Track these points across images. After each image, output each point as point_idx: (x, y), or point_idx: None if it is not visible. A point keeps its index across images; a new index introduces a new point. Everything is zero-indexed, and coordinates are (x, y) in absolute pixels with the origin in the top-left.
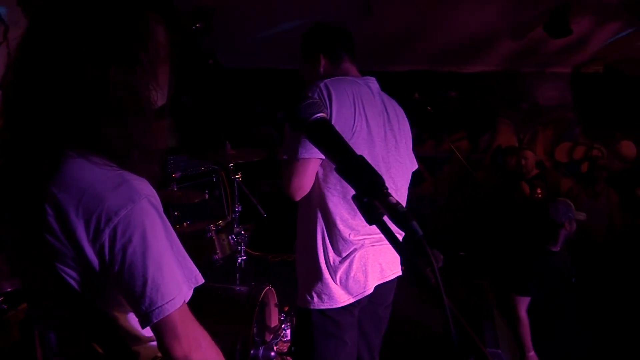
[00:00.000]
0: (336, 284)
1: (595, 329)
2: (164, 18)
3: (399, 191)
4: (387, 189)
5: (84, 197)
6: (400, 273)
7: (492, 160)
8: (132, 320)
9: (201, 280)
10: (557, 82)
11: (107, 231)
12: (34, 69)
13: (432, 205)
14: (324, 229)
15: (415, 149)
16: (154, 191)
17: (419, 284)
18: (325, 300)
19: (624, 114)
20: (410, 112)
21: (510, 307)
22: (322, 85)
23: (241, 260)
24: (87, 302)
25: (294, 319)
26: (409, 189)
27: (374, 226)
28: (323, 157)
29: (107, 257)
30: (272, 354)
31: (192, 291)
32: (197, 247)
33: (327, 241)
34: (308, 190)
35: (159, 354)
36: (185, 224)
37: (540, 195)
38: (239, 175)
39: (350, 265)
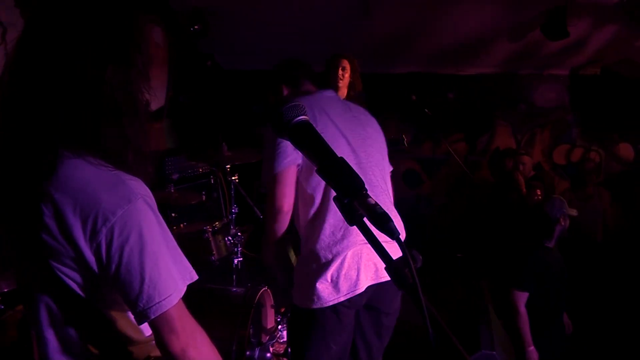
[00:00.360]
0: (326, 282)
1: (587, 327)
2: (162, 20)
3: (374, 190)
4: (366, 190)
5: (81, 197)
6: None
7: (490, 163)
8: (127, 320)
9: (195, 277)
10: (555, 84)
11: (104, 231)
12: (30, 70)
13: (429, 206)
14: (315, 227)
15: (413, 151)
16: (149, 191)
17: (399, 284)
18: (314, 300)
19: (622, 116)
20: (408, 113)
21: (509, 302)
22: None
23: (237, 261)
24: (83, 302)
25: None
26: (406, 190)
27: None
28: (298, 162)
29: (104, 256)
30: (268, 355)
31: (185, 288)
32: (193, 248)
33: (319, 239)
34: (292, 197)
35: (152, 354)
36: (182, 225)
37: (539, 197)
38: (236, 177)
39: (342, 263)
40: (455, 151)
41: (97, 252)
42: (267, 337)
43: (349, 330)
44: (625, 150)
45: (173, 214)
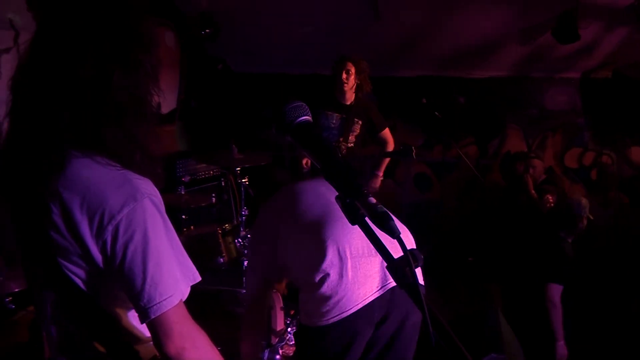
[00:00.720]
0: (321, 300)
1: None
2: (173, 24)
3: None
4: (367, 189)
5: (88, 195)
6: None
7: (501, 167)
8: (133, 319)
9: (198, 279)
10: (566, 88)
11: (110, 228)
12: (40, 72)
13: (440, 209)
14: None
15: (424, 154)
16: (157, 191)
17: (399, 283)
18: (309, 317)
19: (634, 119)
20: (418, 117)
21: (544, 297)
22: None
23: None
24: (89, 299)
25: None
26: (417, 193)
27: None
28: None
29: (109, 253)
30: (277, 357)
31: (189, 289)
32: (203, 249)
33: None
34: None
35: (158, 354)
36: (192, 226)
37: (551, 201)
38: (246, 180)
39: (339, 279)
40: (466, 155)
41: (102, 250)
42: (277, 339)
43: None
44: (638, 153)
45: (183, 216)
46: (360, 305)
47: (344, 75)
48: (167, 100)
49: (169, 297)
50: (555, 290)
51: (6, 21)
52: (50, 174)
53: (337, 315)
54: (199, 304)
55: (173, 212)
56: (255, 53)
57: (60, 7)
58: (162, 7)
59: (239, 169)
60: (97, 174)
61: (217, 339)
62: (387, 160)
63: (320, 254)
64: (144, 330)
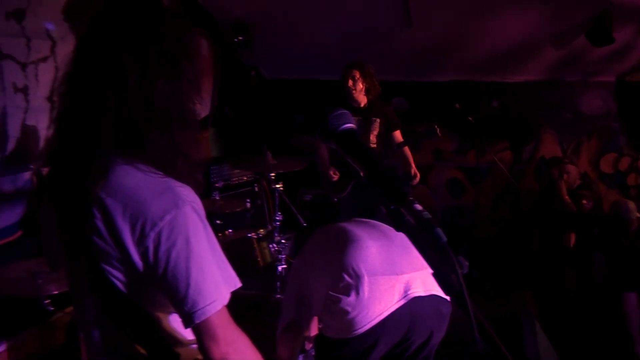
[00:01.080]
0: (339, 316)
1: None
2: (207, 32)
3: None
4: (412, 197)
5: (131, 202)
6: (441, 293)
7: (536, 172)
8: (174, 322)
9: (239, 284)
10: (601, 91)
11: (152, 235)
12: (85, 80)
13: (473, 215)
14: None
15: (457, 160)
16: (197, 198)
17: (445, 290)
18: (328, 329)
19: None
20: (451, 122)
21: (622, 307)
22: None
23: (282, 268)
24: (131, 303)
25: None
26: (450, 199)
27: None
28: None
29: (151, 260)
30: None
31: (230, 295)
32: (238, 255)
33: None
34: None
35: (199, 357)
36: (227, 231)
37: (587, 206)
38: (280, 185)
39: (356, 297)
40: (500, 160)
41: (144, 256)
42: (310, 345)
43: None
44: None
45: (218, 221)
46: (377, 320)
47: (350, 82)
48: (201, 107)
49: (213, 302)
50: (633, 299)
51: (43, 31)
52: (94, 180)
53: (356, 330)
54: (233, 309)
55: (208, 218)
56: (287, 60)
57: (104, 16)
58: (196, 16)
59: (273, 174)
60: (139, 181)
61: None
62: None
63: (337, 275)
64: (184, 333)
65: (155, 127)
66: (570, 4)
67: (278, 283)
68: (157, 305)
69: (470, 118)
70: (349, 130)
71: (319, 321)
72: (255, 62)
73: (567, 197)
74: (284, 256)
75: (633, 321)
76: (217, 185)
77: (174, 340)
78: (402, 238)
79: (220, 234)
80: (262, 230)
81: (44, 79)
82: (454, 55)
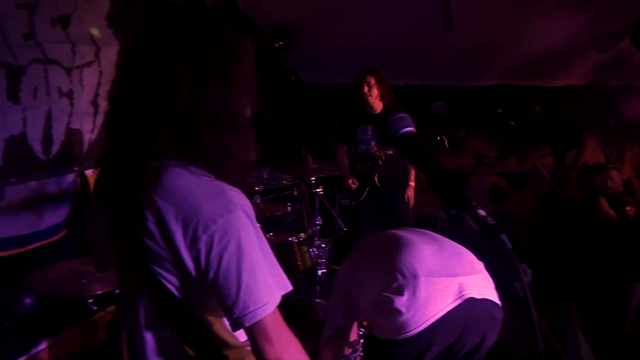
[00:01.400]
0: (392, 316)
1: None
2: (251, 37)
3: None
4: (475, 201)
5: (183, 205)
6: (494, 298)
7: (578, 178)
8: (222, 324)
9: (290, 288)
10: None
11: (204, 238)
12: (137, 84)
13: (515, 222)
14: None
15: (498, 165)
16: (248, 201)
17: (508, 297)
18: (379, 330)
19: None
20: (493, 127)
21: None
22: None
23: (321, 272)
24: (180, 305)
25: None
26: (491, 205)
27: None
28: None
29: (203, 263)
30: None
31: (280, 298)
32: (279, 258)
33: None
34: None
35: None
36: (268, 235)
37: (630, 213)
38: (321, 189)
39: (412, 297)
40: (542, 166)
41: (196, 259)
42: (350, 350)
43: None
44: None
45: (259, 225)
46: (432, 320)
47: (366, 89)
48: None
49: (264, 304)
50: None
51: (88, 37)
52: (147, 183)
53: (410, 330)
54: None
55: None
56: (327, 64)
57: (156, 21)
58: (238, 21)
59: (313, 178)
60: (192, 185)
61: None
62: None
63: (390, 276)
64: (233, 336)
65: (207, 131)
66: (615, 7)
67: (317, 287)
68: (207, 307)
69: (512, 123)
70: (409, 134)
71: (369, 323)
72: (295, 67)
73: (610, 210)
74: (323, 260)
75: None
76: (256, 188)
77: (223, 343)
78: (453, 244)
79: None
80: (302, 234)
81: (88, 83)
82: (496, 59)
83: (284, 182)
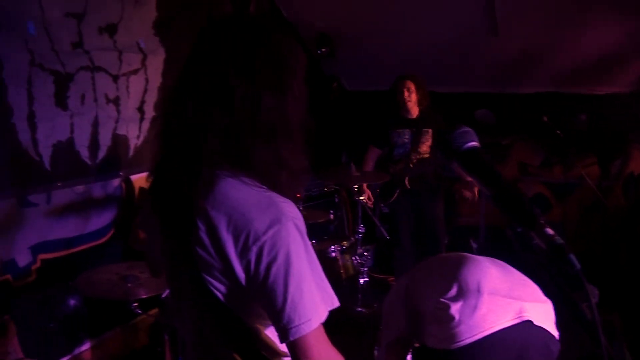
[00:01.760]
0: (449, 324)
1: None
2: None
3: None
4: (544, 219)
5: (235, 215)
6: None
7: (624, 188)
8: (271, 333)
9: (337, 304)
10: None
11: (255, 249)
12: (191, 94)
13: (560, 232)
14: None
15: (543, 174)
16: (299, 214)
17: (575, 319)
18: (434, 340)
19: None
20: (538, 135)
21: None
22: None
23: (363, 281)
24: (231, 314)
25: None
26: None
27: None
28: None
29: (252, 272)
30: None
31: (327, 314)
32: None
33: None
34: None
35: None
36: (311, 242)
37: None
38: (364, 197)
39: (473, 310)
40: (587, 175)
41: (246, 268)
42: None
43: None
44: None
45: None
46: (485, 333)
47: (406, 94)
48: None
49: (308, 320)
50: None
51: (135, 45)
52: (200, 192)
53: (461, 341)
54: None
55: None
56: (369, 71)
57: (211, 31)
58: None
59: (356, 186)
60: (244, 195)
61: None
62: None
63: (451, 284)
64: (281, 345)
65: (261, 142)
66: None
67: (360, 295)
68: (256, 316)
69: (559, 132)
70: (473, 149)
71: (422, 334)
72: (336, 73)
73: None
74: (366, 269)
75: None
76: (298, 195)
77: (271, 351)
78: (520, 274)
79: None
80: (345, 242)
81: (135, 90)
82: (541, 66)
83: (325, 189)
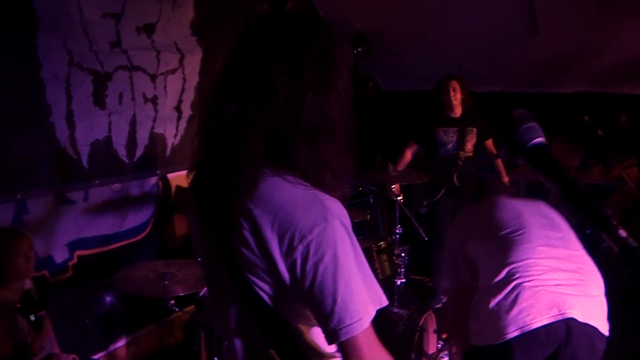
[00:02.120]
0: (489, 318)
1: None
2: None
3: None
4: (616, 220)
5: (280, 214)
6: (600, 327)
7: None
8: (315, 335)
9: (385, 302)
10: None
11: (300, 248)
12: (234, 92)
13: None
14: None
15: (581, 175)
16: (345, 212)
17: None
18: (478, 336)
19: None
20: (577, 136)
21: None
22: None
23: (400, 282)
24: (274, 314)
25: (453, 347)
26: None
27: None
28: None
29: (298, 273)
30: None
31: (375, 312)
32: None
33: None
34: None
35: None
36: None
37: None
38: (401, 197)
39: (511, 299)
40: (628, 177)
41: (291, 269)
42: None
43: None
44: None
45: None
46: (526, 329)
47: (452, 93)
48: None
49: (359, 320)
50: None
51: (172, 45)
52: (243, 191)
53: (502, 337)
54: None
55: None
56: (405, 71)
57: (254, 29)
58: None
59: (393, 186)
60: (288, 193)
61: None
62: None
63: (499, 271)
64: (324, 346)
65: (305, 141)
66: None
67: (396, 296)
68: (299, 317)
69: (600, 132)
70: (540, 144)
71: (470, 332)
72: (372, 73)
73: None
74: (403, 270)
75: None
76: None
77: (314, 353)
78: (580, 256)
79: None
80: (382, 242)
81: (172, 89)
82: (580, 66)
83: (360, 189)
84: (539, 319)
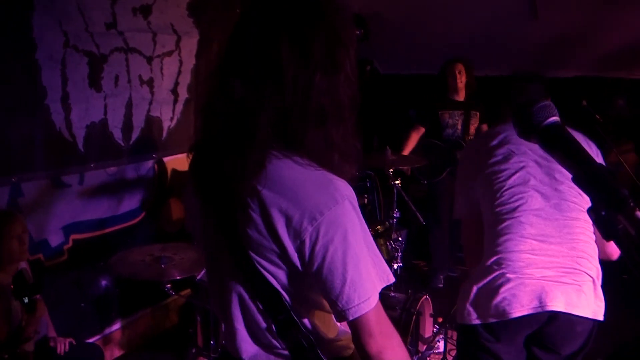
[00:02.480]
0: (486, 299)
1: None
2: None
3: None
4: (633, 202)
5: (288, 195)
6: (585, 314)
7: None
8: (318, 317)
9: (392, 280)
10: None
11: (310, 229)
12: (239, 73)
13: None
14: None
15: None
16: (353, 192)
17: None
18: (473, 315)
19: None
20: (575, 120)
21: None
22: None
23: (397, 267)
24: (277, 295)
25: (449, 331)
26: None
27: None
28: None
29: (307, 254)
30: None
31: (381, 289)
32: None
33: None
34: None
35: (343, 354)
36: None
37: None
38: (399, 181)
39: (494, 287)
40: (624, 162)
41: (300, 250)
42: (425, 347)
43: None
44: None
45: None
46: (506, 318)
47: (458, 76)
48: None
49: (368, 298)
50: None
51: (169, 26)
52: (251, 172)
53: (476, 319)
54: None
55: None
56: (403, 55)
57: (260, 9)
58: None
59: (391, 170)
60: (297, 174)
61: None
62: None
63: (486, 257)
64: (329, 329)
65: (312, 123)
66: None
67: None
68: (305, 298)
69: (598, 116)
70: (555, 124)
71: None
72: (370, 57)
73: None
74: (400, 254)
75: None
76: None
77: (317, 336)
78: (571, 231)
79: None
80: (379, 226)
81: (168, 72)
82: (580, 50)
83: (357, 173)
84: (519, 309)
